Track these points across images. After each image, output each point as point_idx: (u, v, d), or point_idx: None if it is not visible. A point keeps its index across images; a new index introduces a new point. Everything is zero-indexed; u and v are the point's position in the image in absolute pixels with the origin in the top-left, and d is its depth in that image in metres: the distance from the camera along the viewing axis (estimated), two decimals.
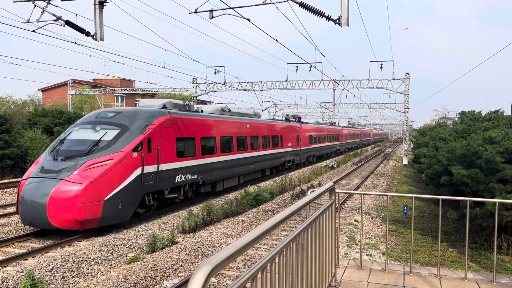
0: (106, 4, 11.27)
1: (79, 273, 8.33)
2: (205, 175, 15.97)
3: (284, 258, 2.68)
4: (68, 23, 11.35)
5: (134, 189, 11.91)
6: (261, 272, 2.19)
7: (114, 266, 8.90)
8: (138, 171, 11.98)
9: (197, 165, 15.43)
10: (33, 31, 11.78)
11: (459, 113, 52.60)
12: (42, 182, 10.70)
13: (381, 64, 33.98)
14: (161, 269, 8.40)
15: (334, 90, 40.08)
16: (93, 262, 8.96)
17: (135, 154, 11.92)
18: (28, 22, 11.61)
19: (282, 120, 30.80)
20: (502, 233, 9.84)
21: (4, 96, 43.59)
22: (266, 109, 73.46)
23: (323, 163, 32.72)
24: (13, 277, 7.95)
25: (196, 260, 9.11)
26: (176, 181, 14.09)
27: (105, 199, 11.01)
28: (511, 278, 4.96)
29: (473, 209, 9.81)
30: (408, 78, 36.65)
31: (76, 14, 12.58)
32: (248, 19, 11.55)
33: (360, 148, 66.37)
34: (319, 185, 20.62)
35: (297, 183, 21.25)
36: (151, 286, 7.65)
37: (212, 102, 50.72)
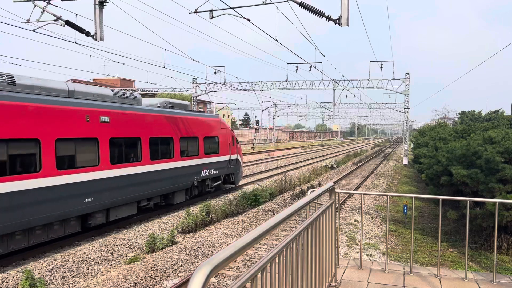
0: (106, 4, 11.26)
1: (79, 273, 8.33)
2: None
3: (284, 258, 2.68)
4: (68, 23, 11.34)
5: None
6: (261, 272, 2.19)
7: (114, 266, 8.90)
8: None
9: None
10: (33, 31, 11.77)
11: (459, 113, 52.62)
12: None
13: (381, 64, 34.03)
14: (161, 269, 8.40)
15: (334, 90, 40.09)
16: (93, 262, 8.96)
17: None
18: (28, 22, 11.60)
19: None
20: (502, 233, 9.84)
21: None
22: (266, 109, 73.59)
23: (323, 163, 32.72)
24: (13, 277, 7.95)
25: (196, 260, 9.11)
26: None
27: None
28: (511, 278, 4.96)
29: (473, 209, 9.81)
30: (408, 78, 36.67)
31: (76, 14, 12.57)
32: (248, 19, 11.55)
33: None
34: (319, 185, 20.62)
35: (297, 183, 21.25)
36: (151, 286, 7.65)
37: (212, 102, 50.68)
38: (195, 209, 14.27)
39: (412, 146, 40.36)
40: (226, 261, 1.70)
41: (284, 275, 2.67)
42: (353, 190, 18.19)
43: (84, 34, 11.34)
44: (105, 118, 11.23)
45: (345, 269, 5.28)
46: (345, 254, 9.72)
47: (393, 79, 36.22)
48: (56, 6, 11.61)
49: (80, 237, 10.84)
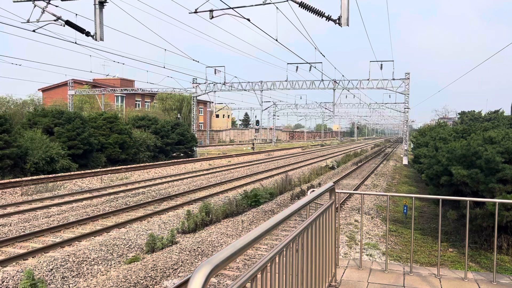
0: (106, 4, 11.26)
1: (79, 273, 8.33)
2: None
3: (284, 258, 2.68)
4: (68, 23, 11.34)
5: None
6: (261, 272, 2.19)
7: (114, 266, 8.90)
8: None
9: None
10: (33, 31, 11.78)
11: (459, 113, 52.65)
12: None
13: (381, 64, 34.06)
14: (161, 269, 8.40)
15: (334, 90, 40.10)
16: (93, 262, 8.96)
17: None
18: (28, 22, 11.61)
19: None
20: (502, 233, 9.84)
21: (4, 96, 43.58)
22: (266, 109, 73.58)
23: (323, 163, 32.72)
24: (13, 277, 7.95)
25: (196, 260, 9.11)
26: None
27: None
28: (511, 278, 4.96)
29: (473, 209, 9.81)
30: (408, 78, 36.69)
31: (76, 14, 12.58)
32: (248, 19, 11.56)
33: None
34: (319, 185, 20.62)
35: (297, 183, 21.24)
36: (151, 286, 7.65)
37: (212, 102, 50.74)
38: (195, 209, 14.27)
39: (412, 146, 40.34)
40: (226, 261, 1.70)
41: (284, 275, 2.67)
42: (353, 190, 18.19)
43: (84, 34, 11.35)
44: None
45: (345, 269, 5.28)
46: (345, 254, 9.72)
47: (393, 79, 36.25)
48: (56, 6, 11.62)
49: (80, 237, 10.84)
